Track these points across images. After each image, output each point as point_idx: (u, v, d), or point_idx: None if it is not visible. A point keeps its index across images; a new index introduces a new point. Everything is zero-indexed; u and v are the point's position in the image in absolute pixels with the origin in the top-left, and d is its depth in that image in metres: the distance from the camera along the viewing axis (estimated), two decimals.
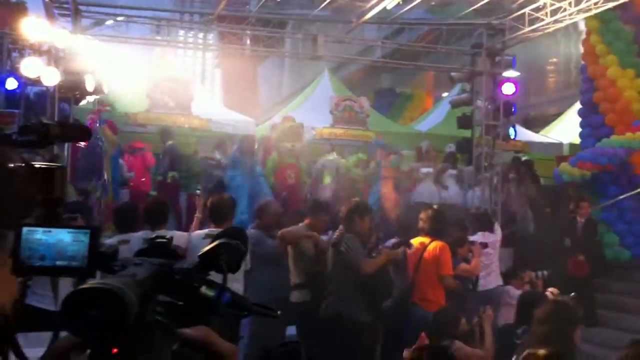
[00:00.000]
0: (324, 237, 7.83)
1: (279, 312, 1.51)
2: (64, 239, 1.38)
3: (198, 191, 10.95)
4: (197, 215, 7.70)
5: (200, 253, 1.43)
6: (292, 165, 12.19)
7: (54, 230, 1.40)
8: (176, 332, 1.32)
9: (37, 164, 2.02)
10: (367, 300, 6.90)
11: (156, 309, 1.30)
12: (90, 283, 1.15)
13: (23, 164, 1.95)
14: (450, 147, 14.27)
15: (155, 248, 1.47)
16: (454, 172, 13.62)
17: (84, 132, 2.43)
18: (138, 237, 6.51)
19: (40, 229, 1.39)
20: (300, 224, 7.63)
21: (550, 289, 5.82)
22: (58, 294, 5.18)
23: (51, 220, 1.83)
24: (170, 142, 12.78)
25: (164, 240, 1.49)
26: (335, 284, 6.93)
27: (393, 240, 7.87)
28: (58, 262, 1.37)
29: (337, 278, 6.94)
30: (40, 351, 1.42)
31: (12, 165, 1.58)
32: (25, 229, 1.39)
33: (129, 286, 1.16)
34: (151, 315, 1.27)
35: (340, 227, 7.11)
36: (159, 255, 1.43)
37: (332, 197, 11.55)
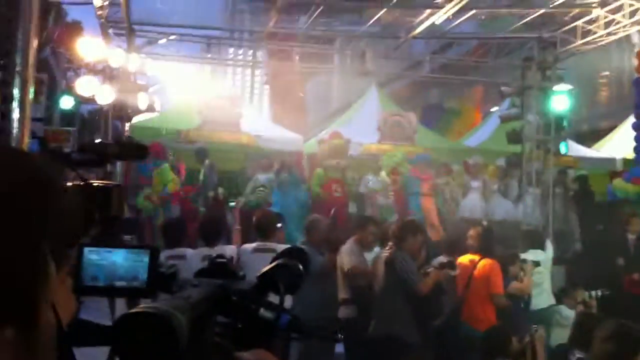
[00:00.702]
0: (371, 254, 7.82)
1: (340, 336, 1.48)
2: (123, 260, 1.40)
3: (232, 203, 11.06)
4: (237, 227, 7.79)
5: (258, 274, 1.43)
6: (338, 180, 12.30)
7: (114, 251, 1.42)
8: (234, 355, 1.30)
9: (96, 183, 2.07)
10: (418, 320, 6.84)
11: (214, 331, 1.30)
12: (139, 307, 1.14)
13: (82, 182, 2.00)
14: (501, 162, 14.09)
15: (215, 268, 1.47)
16: (498, 187, 13.48)
17: (142, 151, 2.49)
18: (196, 254, 6.62)
19: (101, 249, 1.42)
20: (349, 240, 7.62)
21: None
22: (115, 308, 5.27)
23: (109, 240, 1.86)
24: (208, 161, 13.09)
25: (224, 260, 1.50)
26: (385, 302, 6.88)
27: (441, 258, 7.79)
28: (118, 283, 1.39)
29: (387, 296, 6.89)
30: None
31: (70, 183, 1.62)
32: (86, 249, 1.42)
33: (180, 309, 1.14)
34: (209, 337, 1.27)
35: (390, 244, 7.07)
36: (218, 276, 1.43)
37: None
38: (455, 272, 7.34)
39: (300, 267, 1.50)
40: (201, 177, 12.94)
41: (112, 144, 2.27)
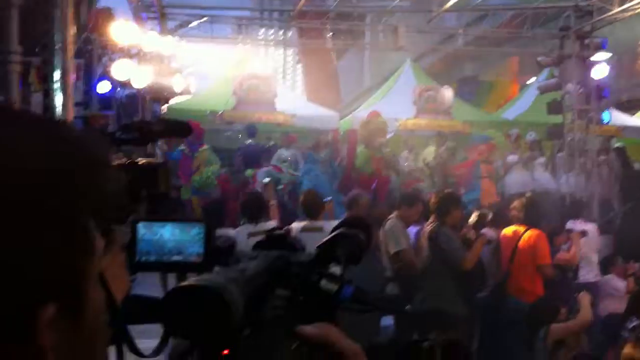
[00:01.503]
0: (415, 229, 7.75)
1: (407, 307, 1.42)
2: (178, 234, 1.36)
3: (266, 180, 11.06)
4: (272, 202, 7.78)
5: (318, 244, 1.37)
6: (381, 159, 12.26)
7: (168, 225, 1.38)
8: (296, 329, 1.20)
9: (141, 161, 2.04)
10: (464, 293, 6.79)
11: (274, 304, 1.22)
12: (191, 280, 1.08)
13: (127, 161, 1.98)
14: (531, 135, 13.85)
15: (274, 240, 1.39)
16: (542, 159, 13.26)
17: (185, 128, 2.46)
18: (240, 232, 6.65)
19: (155, 224, 1.38)
20: (391, 215, 7.56)
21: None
22: (167, 282, 5.31)
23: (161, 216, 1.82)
24: (249, 141, 13.12)
25: (282, 232, 1.43)
26: (430, 277, 6.83)
27: (485, 231, 7.68)
28: (174, 258, 1.35)
29: (432, 271, 6.84)
30: (152, 343, 1.40)
31: (113, 162, 1.59)
32: (140, 224, 1.38)
33: (234, 282, 1.07)
34: (269, 312, 1.19)
35: (432, 218, 7.00)
36: (277, 248, 1.35)
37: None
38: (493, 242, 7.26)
39: (362, 236, 1.42)
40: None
41: (155, 122, 2.25)
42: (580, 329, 5.88)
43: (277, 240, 1.40)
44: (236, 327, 1.05)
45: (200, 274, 1.31)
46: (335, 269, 1.32)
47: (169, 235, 1.35)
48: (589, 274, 8.59)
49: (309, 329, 1.21)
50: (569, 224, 8.67)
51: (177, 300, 1.05)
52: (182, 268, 1.36)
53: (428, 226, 6.96)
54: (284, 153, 12.79)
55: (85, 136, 0.85)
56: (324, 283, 1.28)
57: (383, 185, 11.59)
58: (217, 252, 1.36)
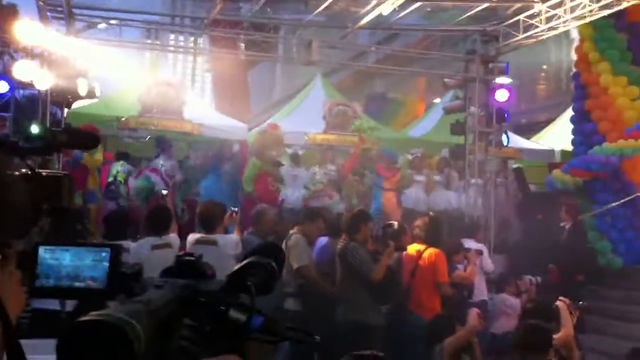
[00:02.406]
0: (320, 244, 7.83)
1: (317, 337, 1.40)
2: (82, 259, 1.30)
3: (165, 191, 10.92)
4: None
5: (228, 273, 1.35)
6: (272, 173, 12.25)
7: (72, 249, 1.32)
8: None
9: (44, 172, 1.96)
10: (378, 304, 6.98)
11: (182, 334, 1.19)
12: (92, 314, 1.04)
13: (29, 172, 1.90)
14: (445, 153, 14.30)
15: (182, 266, 1.37)
16: (439, 178, 13.67)
17: (92, 140, 2.38)
18: (144, 244, 6.50)
19: (58, 248, 1.32)
20: (292, 231, 7.61)
21: (561, 298, 5.81)
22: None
23: (62, 232, 1.76)
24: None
25: (192, 258, 1.40)
26: (346, 291, 6.97)
27: None
28: (76, 284, 1.30)
29: (347, 286, 6.98)
30: (49, 358, 1.35)
31: (14, 173, 1.52)
32: (41, 248, 1.32)
33: (137, 316, 1.04)
34: (176, 342, 1.16)
35: (343, 236, 7.09)
36: (185, 275, 1.33)
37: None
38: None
39: (274, 265, 1.41)
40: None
41: (60, 131, 2.18)
42: (469, 336, 6.09)
43: (187, 266, 1.38)
44: None
45: (103, 301, 1.26)
46: (245, 299, 1.30)
47: (71, 260, 1.30)
48: (481, 293, 8.91)
49: None
50: (465, 243, 8.97)
51: (78, 336, 1.01)
52: (85, 295, 1.30)
53: (339, 244, 7.07)
54: (159, 162, 12.62)
55: None
56: (232, 313, 1.26)
57: (273, 201, 11.62)
58: (123, 279, 1.31)
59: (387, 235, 7.08)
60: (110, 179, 12.30)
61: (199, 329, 1.24)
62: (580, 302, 6.11)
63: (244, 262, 1.38)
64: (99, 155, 12.86)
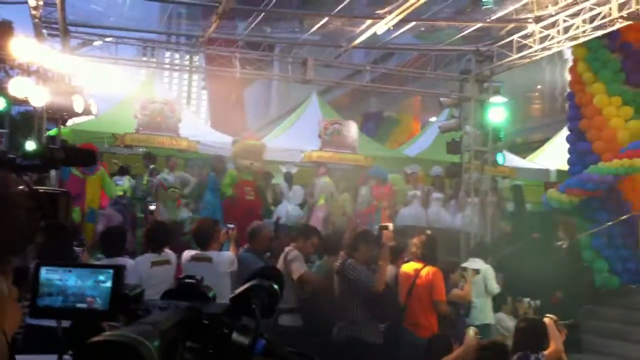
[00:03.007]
0: (316, 263, 7.83)
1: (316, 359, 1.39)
2: (85, 280, 1.30)
3: (152, 207, 10.89)
4: None
5: (231, 296, 1.33)
6: (251, 182, 12.16)
7: (74, 270, 1.32)
8: None
9: (42, 189, 1.94)
10: (376, 321, 6.93)
11: (184, 357, 1.20)
12: (105, 334, 1.05)
13: (27, 189, 1.88)
14: (437, 170, 14.32)
15: (184, 289, 1.37)
16: (439, 195, 13.66)
17: (90, 157, 2.36)
18: (144, 260, 6.50)
19: (60, 269, 1.31)
20: (288, 248, 7.58)
21: (548, 315, 5.80)
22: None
23: (60, 250, 1.73)
24: (152, 167, 12.89)
25: (193, 281, 1.39)
26: (344, 309, 6.89)
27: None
28: (79, 305, 1.29)
29: (345, 303, 6.89)
30: None
31: (16, 191, 1.51)
32: (43, 269, 1.31)
33: (148, 336, 1.05)
34: None
35: (342, 253, 7.06)
36: (186, 297, 1.33)
37: (323, 221, 11.60)
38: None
39: (276, 287, 1.41)
40: (144, 181, 12.68)
41: (58, 149, 2.16)
42: (466, 356, 6.05)
43: (189, 290, 1.38)
44: None
45: (106, 322, 1.25)
46: (248, 322, 1.29)
47: (73, 281, 1.29)
48: (484, 317, 8.84)
49: None
50: (472, 263, 8.95)
51: (92, 355, 1.00)
52: (88, 316, 1.29)
53: (338, 261, 7.02)
54: (166, 177, 12.56)
55: None
56: (235, 336, 1.26)
57: (255, 213, 11.56)
58: (125, 300, 1.30)
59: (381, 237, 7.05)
60: (120, 194, 12.27)
61: (202, 352, 1.24)
62: (570, 320, 6.10)
63: (247, 285, 1.37)
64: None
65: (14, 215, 0.80)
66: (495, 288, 9.13)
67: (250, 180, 12.16)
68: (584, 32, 11.15)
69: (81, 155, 2.27)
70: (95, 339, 1.02)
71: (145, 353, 1.01)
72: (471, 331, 6.19)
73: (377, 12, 11.99)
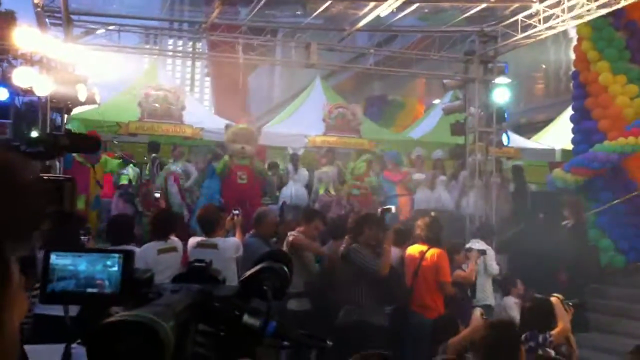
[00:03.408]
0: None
1: (329, 342, 1.39)
2: (95, 265, 1.31)
3: (157, 194, 10.97)
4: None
5: (241, 278, 1.34)
6: (245, 167, 12.14)
7: (84, 255, 1.33)
8: None
9: (47, 176, 1.96)
10: (382, 304, 6.95)
11: (195, 340, 1.20)
12: (120, 315, 1.05)
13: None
14: (438, 154, 14.29)
15: (194, 272, 1.38)
16: (443, 178, 13.66)
17: (94, 143, 2.37)
18: (150, 248, 6.55)
19: (70, 254, 1.32)
20: (293, 232, 7.60)
21: (554, 294, 5.82)
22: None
23: (67, 237, 1.75)
24: (154, 155, 12.94)
25: (202, 264, 1.39)
26: (349, 292, 6.90)
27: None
28: (89, 289, 1.30)
29: (350, 287, 6.91)
30: None
31: (26, 175, 1.53)
32: (53, 254, 1.32)
33: (163, 317, 1.05)
34: (190, 347, 1.18)
35: (347, 237, 7.07)
36: (197, 280, 1.33)
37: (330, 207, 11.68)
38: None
39: (286, 269, 1.41)
40: (147, 171, 12.71)
41: (62, 136, 2.18)
42: (473, 336, 6.07)
43: (199, 273, 1.38)
44: None
45: (118, 306, 1.26)
46: (258, 304, 1.30)
47: (84, 266, 1.30)
48: (486, 297, 8.87)
49: None
50: (472, 244, 8.96)
51: (107, 335, 1.01)
52: (98, 301, 1.30)
53: (342, 246, 7.03)
54: (171, 167, 12.60)
55: (5, 159, 0.81)
56: (246, 318, 1.26)
57: (253, 197, 11.59)
58: (135, 284, 1.31)
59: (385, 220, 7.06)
60: (125, 182, 12.32)
61: (214, 335, 1.24)
62: (576, 300, 6.12)
63: (257, 267, 1.37)
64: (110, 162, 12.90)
65: (25, 199, 0.81)
66: (495, 269, 9.16)
67: (244, 164, 12.12)
68: (588, 10, 11.07)
69: (85, 141, 2.28)
70: (111, 319, 1.03)
71: (162, 332, 1.01)
72: (477, 312, 6.22)
73: None
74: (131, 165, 12.94)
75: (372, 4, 12.41)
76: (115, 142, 14.50)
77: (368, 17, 12.75)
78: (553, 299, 5.72)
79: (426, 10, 14.13)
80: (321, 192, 12.83)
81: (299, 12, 15.95)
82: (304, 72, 17.28)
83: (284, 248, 7.35)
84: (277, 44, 15.89)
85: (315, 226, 7.66)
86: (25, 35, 10.69)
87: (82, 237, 6.48)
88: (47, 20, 12.57)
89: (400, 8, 12.53)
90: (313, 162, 14.33)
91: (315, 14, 13.92)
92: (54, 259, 1.31)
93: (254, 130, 13.07)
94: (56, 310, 4.93)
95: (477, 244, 9.04)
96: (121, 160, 13.11)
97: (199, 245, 6.87)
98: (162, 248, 6.54)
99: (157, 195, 10.79)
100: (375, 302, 6.88)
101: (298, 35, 15.19)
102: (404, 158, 14.20)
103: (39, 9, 12.00)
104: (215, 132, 14.52)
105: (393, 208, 7.28)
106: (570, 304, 5.80)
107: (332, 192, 12.87)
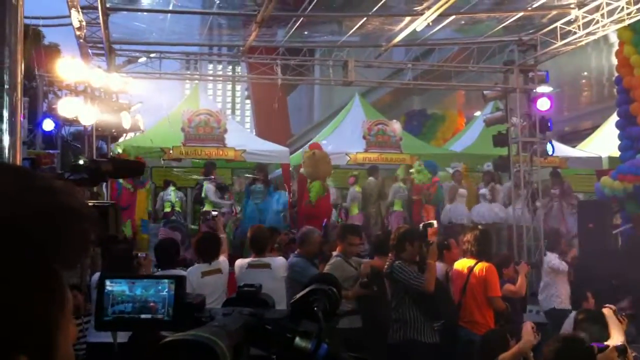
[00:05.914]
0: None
1: None
2: (148, 290, 1.33)
3: (215, 213, 11.10)
4: (222, 236, 7.70)
5: (292, 300, 1.35)
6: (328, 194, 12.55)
7: (137, 281, 1.35)
8: None
9: (92, 202, 2.00)
10: (430, 320, 6.86)
11: None
12: (178, 335, 1.06)
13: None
14: (488, 166, 14.16)
15: (244, 297, 1.39)
16: (485, 191, 13.52)
17: (137, 167, 2.41)
18: (194, 270, 6.61)
19: (124, 281, 1.35)
20: (335, 252, 7.59)
21: (607, 305, 5.66)
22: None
23: (124, 261, 1.76)
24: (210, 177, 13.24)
25: (252, 289, 1.40)
26: (396, 310, 6.85)
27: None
28: (143, 316, 1.32)
29: (397, 305, 6.86)
30: None
31: (82, 201, 1.56)
32: (107, 281, 1.34)
33: (220, 337, 1.06)
34: None
35: (389, 255, 7.03)
36: (247, 305, 1.34)
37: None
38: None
39: (335, 291, 1.42)
40: (203, 194, 12.94)
41: (105, 161, 2.21)
42: (524, 351, 5.93)
43: (248, 297, 1.39)
44: None
45: (171, 331, 1.27)
46: (309, 326, 1.29)
47: (138, 293, 1.32)
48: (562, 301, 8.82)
49: None
50: (549, 259, 8.92)
51: (168, 354, 1.03)
52: (152, 326, 1.32)
53: (386, 264, 6.98)
54: (207, 187, 12.87)
55: (58, 184, 0.83)
56: (298, 341, 1.25)
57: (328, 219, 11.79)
58: (188, 309, 1.32)
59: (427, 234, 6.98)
60: (168, 209, 12.52)
61: (265, 357, 1.25)
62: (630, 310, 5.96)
63: (307, 289, 1.38)
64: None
65: (74, 224, 0.83)
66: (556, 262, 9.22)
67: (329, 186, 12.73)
68: (629, 14, 10.89)
69: (129, 166, 2.32)
70: (170, 338, 1.05)
71: (220, 352, 1.03)
72: (528, 325, 6.09)
73: (415, 8, 11.91)
74: (173, 188, 13.11)
75: (407, 18, 12.41)
76: (163, 165, 14.75)
77: (404, 32, 12.75)
78: (605, 310, 5.57)
79: (462, 22, 14.04)
80: (355, 211, 13.05)
81: (335, 31, 15.99)
82: (343, 89, 17.32)
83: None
84: (314, 63, 15.99)
85: (349, 242, 7.59)
86: (69, 67, 10.96)
87: (139, 255, 6.58)
88: (90, 50, 12.88)
89: (436, 21, 12.50)
90: (343, 182, 14.56)
91: (351, 32, 13.97)
92: (108, 285, 1.33)
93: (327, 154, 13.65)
94: (105, 337, 5.01)
95: (554, 260, 9.08)
96: (163, 182, 13.33)
97: (251, 265, 6.92)
98: (206, 270, 6.60)
99: (215, 214, 10.96)
100: (423, 318, 6.79)
101: (335, 54, 15.25)
102: (442, 173, 14.24)
103: (81, 40, 12.31)
104: (257, 153, 14.66)
105: (435, 223, 7.17)
106: (625, 314, 5.64)
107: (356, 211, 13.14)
